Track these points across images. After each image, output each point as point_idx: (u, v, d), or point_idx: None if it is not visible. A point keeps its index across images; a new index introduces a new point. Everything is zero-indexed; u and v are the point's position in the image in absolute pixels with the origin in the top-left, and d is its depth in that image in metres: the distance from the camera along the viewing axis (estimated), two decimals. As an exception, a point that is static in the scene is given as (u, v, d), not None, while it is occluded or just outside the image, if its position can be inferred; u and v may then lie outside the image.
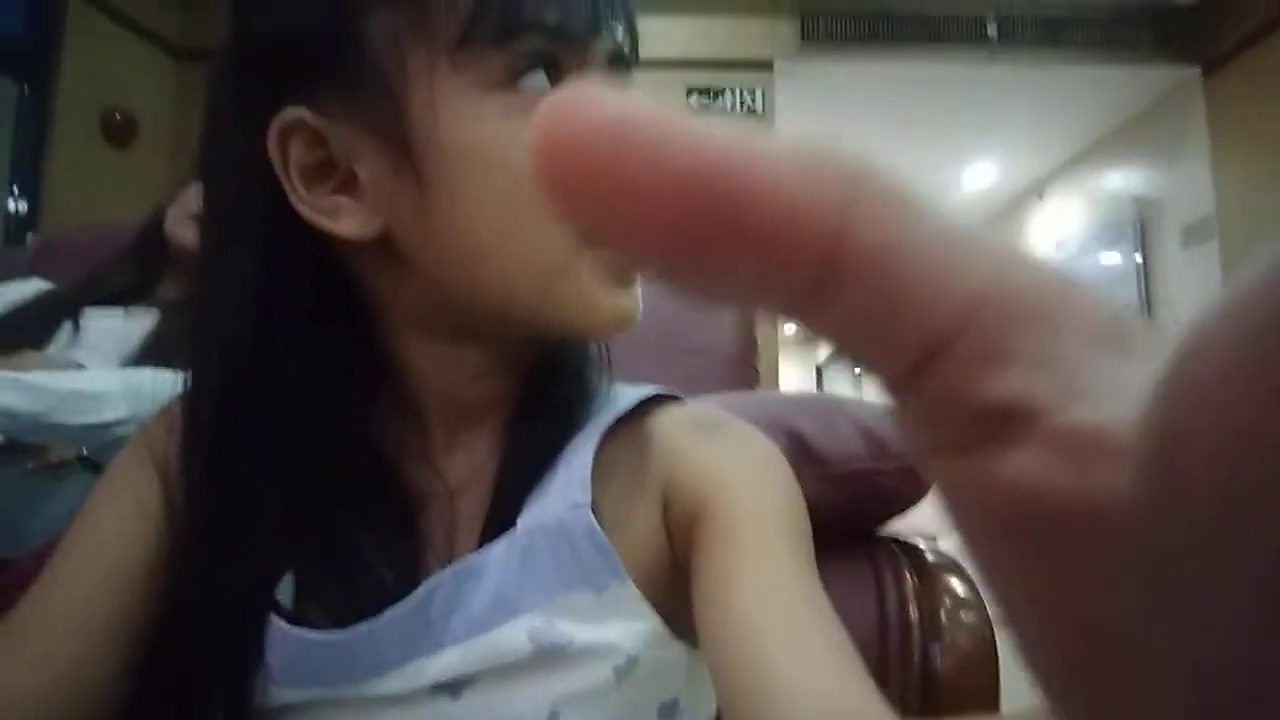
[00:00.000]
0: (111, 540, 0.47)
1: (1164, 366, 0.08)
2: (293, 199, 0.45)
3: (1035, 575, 0.10)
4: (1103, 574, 0.09)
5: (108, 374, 1.01)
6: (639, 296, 0.47)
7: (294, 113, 0.44)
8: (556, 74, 0.45)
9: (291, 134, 0.45)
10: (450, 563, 0.46)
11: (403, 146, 0.43)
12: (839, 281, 0.10)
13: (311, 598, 0.46)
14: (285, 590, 0.46)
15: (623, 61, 0.49)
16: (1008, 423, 0.10)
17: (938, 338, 0.10)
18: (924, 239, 0.10)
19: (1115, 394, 0.09)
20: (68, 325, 1.17)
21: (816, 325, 0.11)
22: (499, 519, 0.47)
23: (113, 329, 1.17)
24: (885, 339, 0.10)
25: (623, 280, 0.45)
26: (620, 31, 0.48)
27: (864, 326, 0.11)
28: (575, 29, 0.44)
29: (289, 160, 0.45)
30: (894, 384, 0.11)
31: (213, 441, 0.47)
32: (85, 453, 0.85)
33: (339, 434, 0.47)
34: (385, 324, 0.49)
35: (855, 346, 0.11)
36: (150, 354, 1.13)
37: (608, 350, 0.54)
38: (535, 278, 0.44)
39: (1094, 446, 0.09)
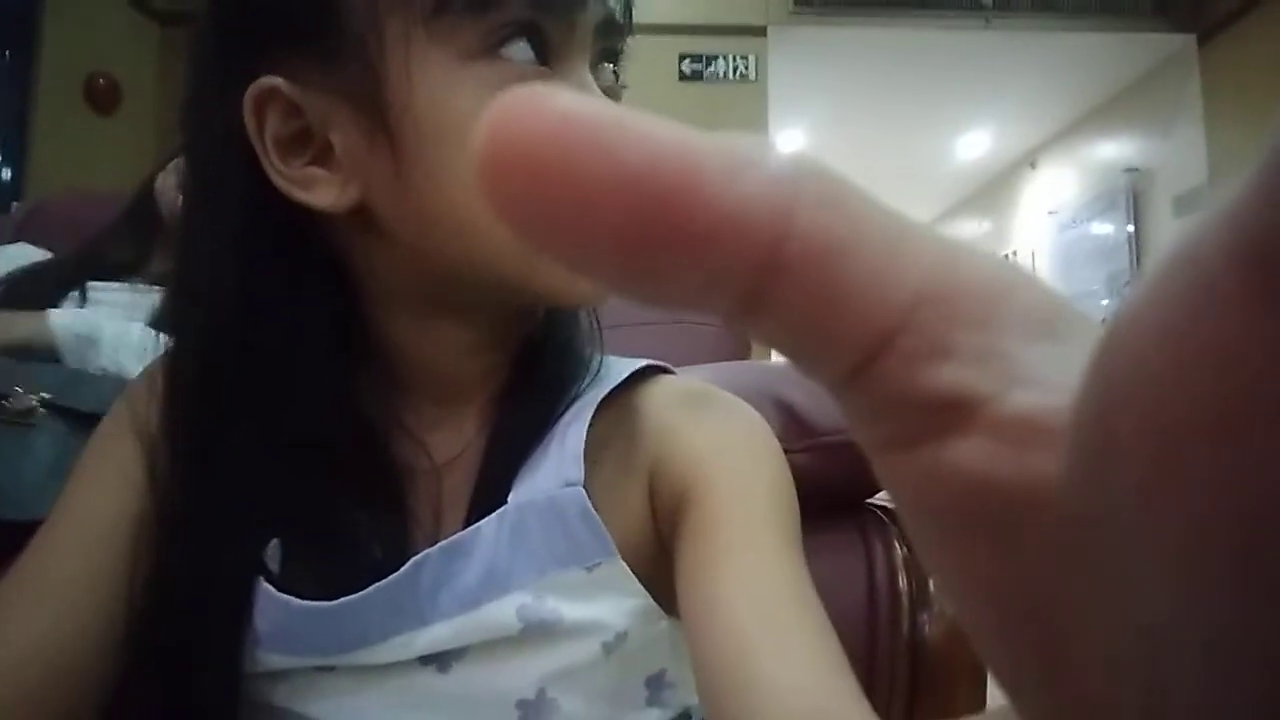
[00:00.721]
0: (96, 512, 0.47)
1: (1093, 352, 0.08)
2: (267, 168, 0.44)
3: (983, 565, 0.10)
4: (1042, 559, 0.09)
5: (98, 319, 1.02)
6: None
7: (269, 81, 0.44)
8: (541, 44, 0.44)
9: (268, 103, 0.44)
10: (437, 539, 0.46)
11: (378, 117, 0.43)
12: (782, 283, 0.10)
13: (300, 565, 0.46)
14: (273, 556, 0.46)
15: (615, 29, 0.48)
16: (951, 414, 0.10)
17: (880, 335, 0.10)
18: (864, 238, 0.10)
19: (1053, 381, 0.10)
20: (74, 295, 1.16)
21: (761, 327, 0.11)
22: (485, 497, 0.47)
23: (120, 300, 1.16)
24: (828, 338, 0.11)
25: None
26: None
27: (807, 326, 0.11)
28: None
29: (265, 129, 0.44)
30: (839, 382, 0.11)
31: (194, 407, 0.47)
32: (47, 396, 0.84)
33: (323, 405, 0.47)
34: (368, 296, 0.49)
35: (799, 347, 0.11)
36: (159, 328, 1.14)
37: (598, 322, 0.54)
38: (519, 248, 0.43)
39: (1031, 433, 0.10)
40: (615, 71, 0.49)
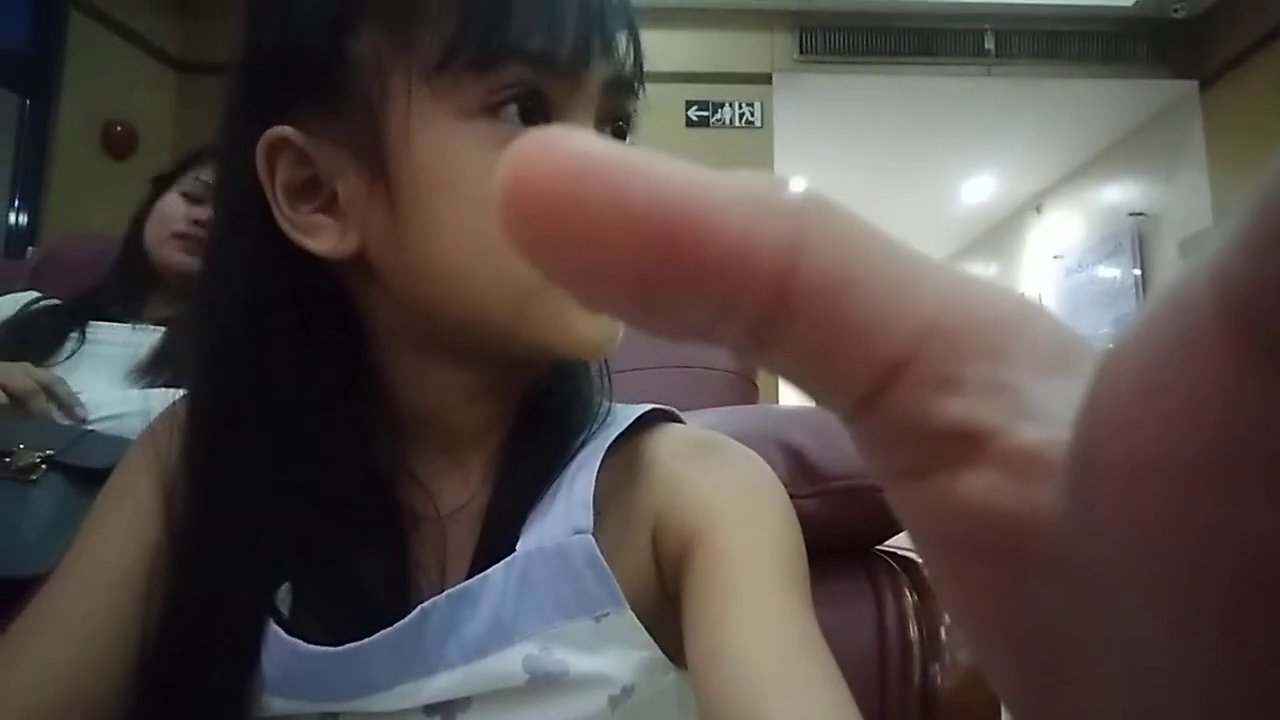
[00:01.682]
0: (114, 547, 0.47)
1: (1086, 388, 0.09)
2: (276, 213, 0.46)
3: (989, 593, 0.10)
4: (1044, 590, 0.10)
5: (122, 394, 1.01)
6: (616, 320, 0.46)
7: (280, 131, 0.45)
8: (543, 105, 0.44)
9: (279, 151, 0.46)
10: (442, 588, 0.45)
11: (379, 167, 0.44)
12: (790, 316, 0.11)
13: (308, 610, 0.46)
14: (284, 599, 0.46)
15: (624, 87, 0.48)
16: (960, 446, 0.10)
17: (888, 367, 0.10)
18: (872, 271, 0.11)
19: (1061, 416, 0.10)
20: (73, 336, 1.17)
21: (771, 359, 0.11)
22: (491, 546, 0.46)
23: (118, 339, 1.16)
24: (837, 369, 0.11)
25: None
26: (620, 57, 0.46)
27: (816, 358, 0.11)
28: (560, 58, 0.43)
29: (276, 176, 0.46)
30: (848, 413, 0.11)
31: (208, 446, 0.48)
32: (52, 453, 0.84)
33: (331, 448, 0.47)
34: (373, 341, 0.49)
35: (808, 378, 0.11)
36: (158, 368, 1.13)
37: (608, 369, 0.54)
38: (507, 300, 0.44)
39: (1035, 466, 0.10)
40: (622, 127, 0.49)
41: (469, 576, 0.45)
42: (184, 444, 0.48)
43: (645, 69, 0.51)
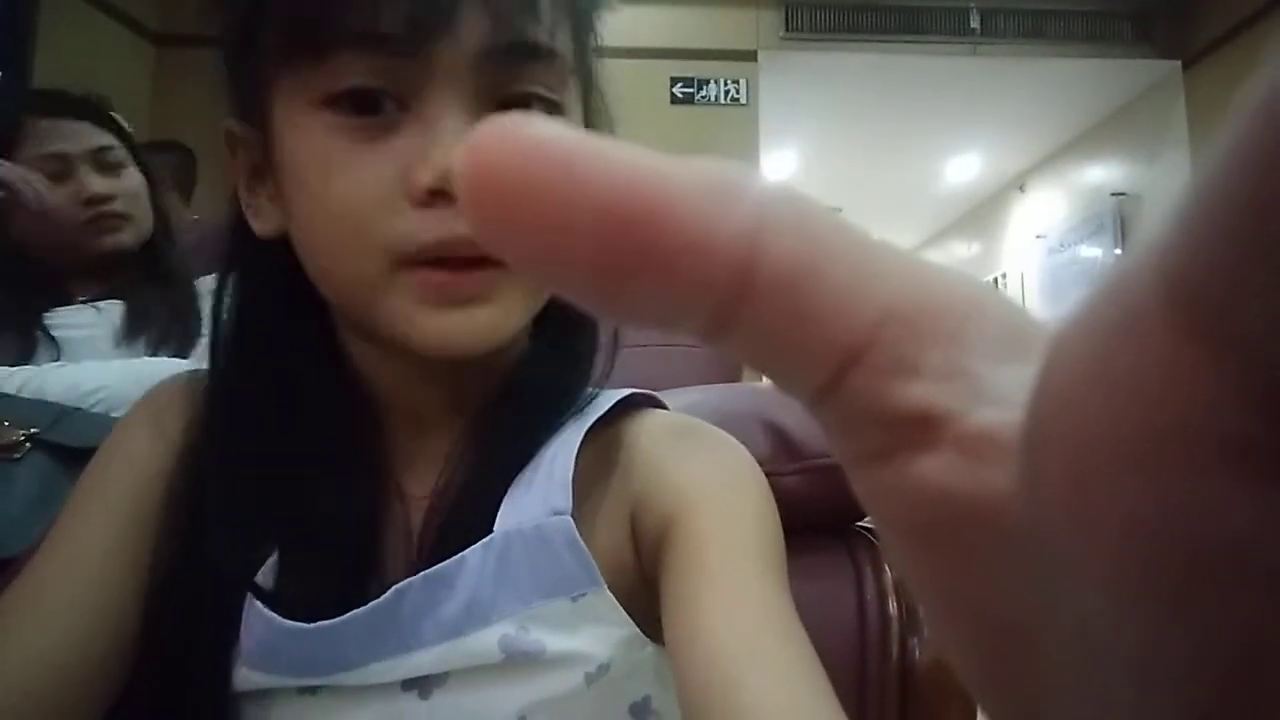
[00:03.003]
0: (99, 526, 0.47)
1: (1037, 369, 0.09)
2: (241, 196, 0.48)
3: (947, 575, 0.10)
4: (999, 572, 0.10)
5: (101, 366, 0.99)
6: (477, 317, 0.43)
7: (228, 123, 0.47)
8: (394, 90, 0.42)
9: (235, 140, 0.48)
10: (409, 568, 0.46)
11: (269, 156, 0.46)
12: (751, 303, 0.11)
13: (288, 585, 0.46)
14: (268, 573, 0.46)
15: (516, 57, 0.43)
16: (918, 430, 0.10)
17: (848, 353, 0.11)
18: (832, 259, 0.11)
19: (1013, 399, 0.10)
20: (42, 340, 1.11)
21: (733, 346, 0.11)
22: (460, 528, 0.46)
23: (84, 319, 1.13)
24: (798, 356, 0.11)
25: (445, 300, 0.43)
26: (501, 24, 0.42)
27: (778, 345, 0.11)
28: (392, 38, 0.41)
29: (239, 161, 0.48)
30: (811, 398, 0.11)
31: (207, 420, 0.49)
32: (35, 431, 0.83)
33: (307, 428, 0.48)
34: (338, 328, 0.51)
35: (771, 364, 0.11)
36: (134, 337, 1.11)
37: (618, 344, 0.53)
38: (359, 293, 0.44)
39: (989, 448, 0.10)
40: (530, 101, 0.44)
41: (436, 557, 0.45)
42: (188, 416, 0.50)
43: (630, 45, 0.51)
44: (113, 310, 1.15)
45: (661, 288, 0.11)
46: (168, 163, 2.23)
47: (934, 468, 0.10)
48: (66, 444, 0.83)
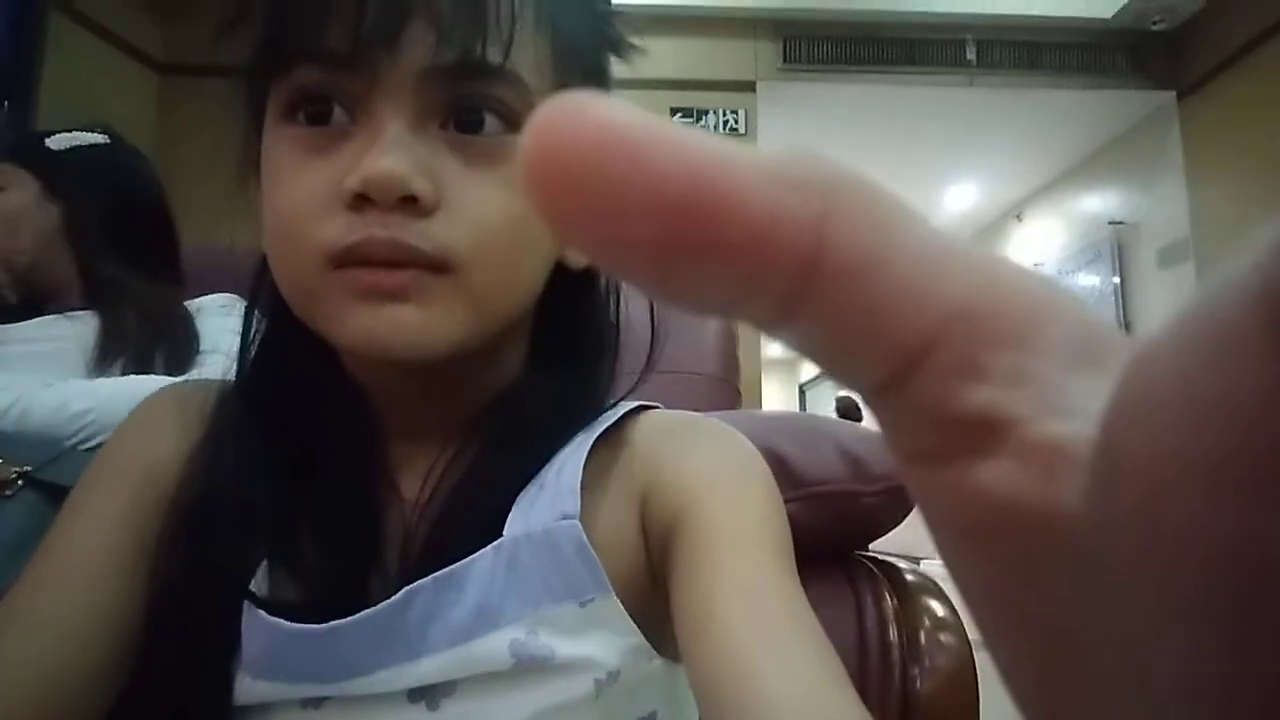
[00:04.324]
0: (95, 537, 0.47)
1: (1113, 387, 0.08)
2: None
3: (1003, 584, 0.10)
4: (1059, 584, 0.09)
5: (89, 387, 0.96)
6: (400, 315, 0.43)
7: (252, 138, 0.48)
8: (346, 105, 0.44)
9: (255, 155, 0.48)
10: (408, 572, 0.45)
11: (255, 163, 0.47)
12: (816, 293, 0.10)
13: (289, 591, 0.46)
14: (261, 579, 0.46)
15: (453, 75, 0.43)
16: (981, 434, 0.10)
17: (912, 351, 0.10)
18: (901, 251, 0.10)
19: (1085, 409, 0.09)
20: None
21: (794, 337, 0.11)
22: (457, 532, 0.46)
23: (34, 333, 1.08)
24: (860, 350, 0.10)
25: (369, 296, 0.43)
26: (448, 41, 0.42)
27: (840, 338, 0.11)
28: (341, 54, 0.42)
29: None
30: (871, 395, 0.11)
31: (229, 425, 0.50)
32: (29, 469, 0.82)
33: (312, 433, 0.48)
34: None
35: (831, 358, 0.11)
36: (113, 352, 1.07)
37: (612, 370, 0.54)
38: (301, 297, 0.45)
39: (1058, 460, 0.09)
40: (477, 119, 0.44)
41: (434, 560, 0.45)
42: (187, 423, 0.50)
43: (630, 75, 0.51)
44: (86, 322, 1.08)
45: (725, 274, 0.10)
46: None
47: (995, 474, 0.10)
48: (58, 483, 0.82)
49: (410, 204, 0.42)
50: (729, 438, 0.50)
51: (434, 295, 0.43)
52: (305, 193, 0.43)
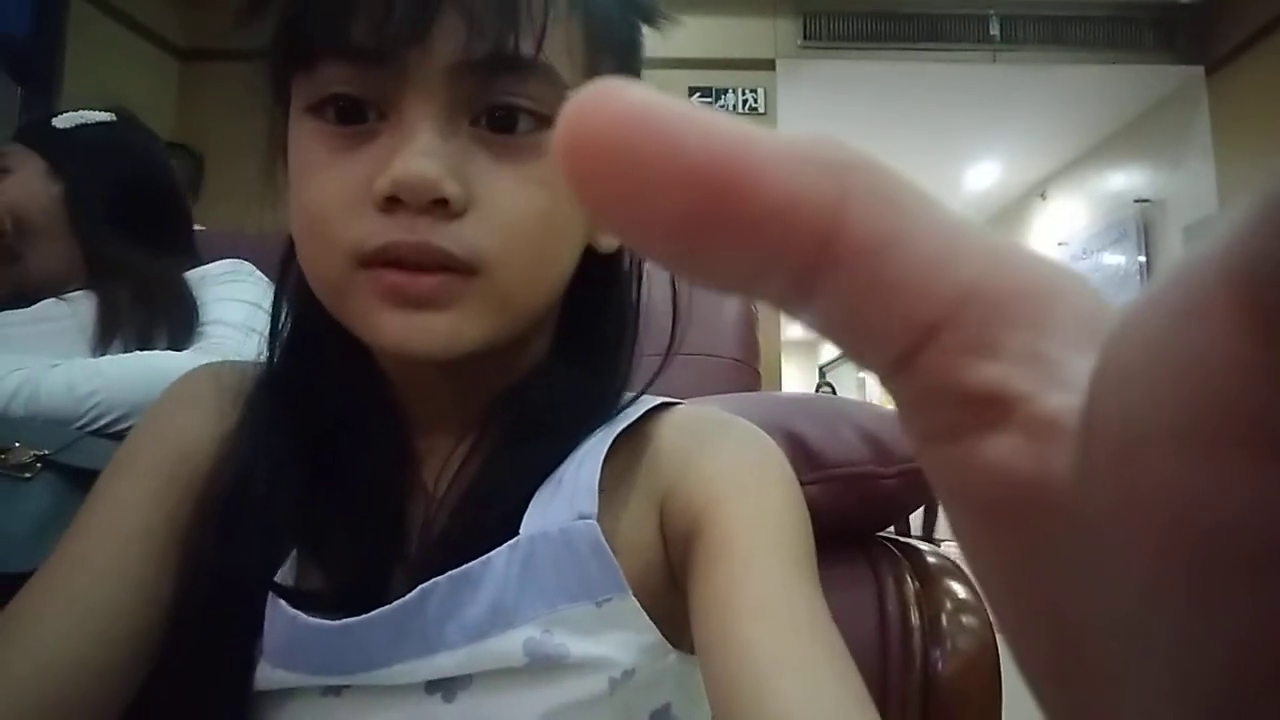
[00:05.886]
0: (127, 518, 0.47)
1: (1098, 352, 0.09)
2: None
3: (1013, 566, 0.11)
4: (1061, 563, 0.10)
5: (94, 366, 0.97)
6: (432, 322, 0.43)
7: (279, 124, 0.48)
8: (374, 102, 0.43)
9: (282, 141, 0.48)
10: (428, 566, 0.46)
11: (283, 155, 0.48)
12: (833, 271, 0.11)
13: (312, 583, 0.47)
14: (288, 570, 0.46)
15: (485, 70, 0.43)
16: (991, 410, 0.10)
17: (926, 328, 0.11)
18: (917, 233, 0.11)
19: (1084, 385, 0.10)
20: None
21: (811, 315, 0.11)
22: (476, 528, 0.46)
23: (20, 317, 1.07)
24: (875, 328, 0.11)
25: (399, 301, 0.43)
26: (471, 34, 0.42)
27: (856, 315, 0.11)
28: (368, 50, 0.42)
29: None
30: (884, 372, 0.11)
31: (259, 413, 0.50)
32: (47, 453, 0.83)
33: (341, 424, 0.49)
34: None
35: (847, 335, 0.11)
36: (112, 329, 1.07)
37: (630, 358, 0.53)
38: (330, 294, 0.45)
39: (1055, 432, 0.10)
40: (512, 118, 0.44)
41: (453, 556, 0.45)
42: (221, 405, 0.51)
43: (649, 54, 0.51)
44: (82, 302, 1.08)
45: (746, 250, 0.11)
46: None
47: (1001, 449, 0.10)
48: (78, 466, 0.83)
49: (441, 206, 0.42)
50: (755, 440, 0.50)
51: (463, 299, 0.44)
52: (334, 191, 0.43)
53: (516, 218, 0.44)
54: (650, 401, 0.52)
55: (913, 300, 0.11)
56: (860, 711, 0.36)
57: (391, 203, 0.42)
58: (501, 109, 0.44)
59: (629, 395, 0.52)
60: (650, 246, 0.11)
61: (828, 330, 0.12)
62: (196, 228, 1.31)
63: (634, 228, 0.11)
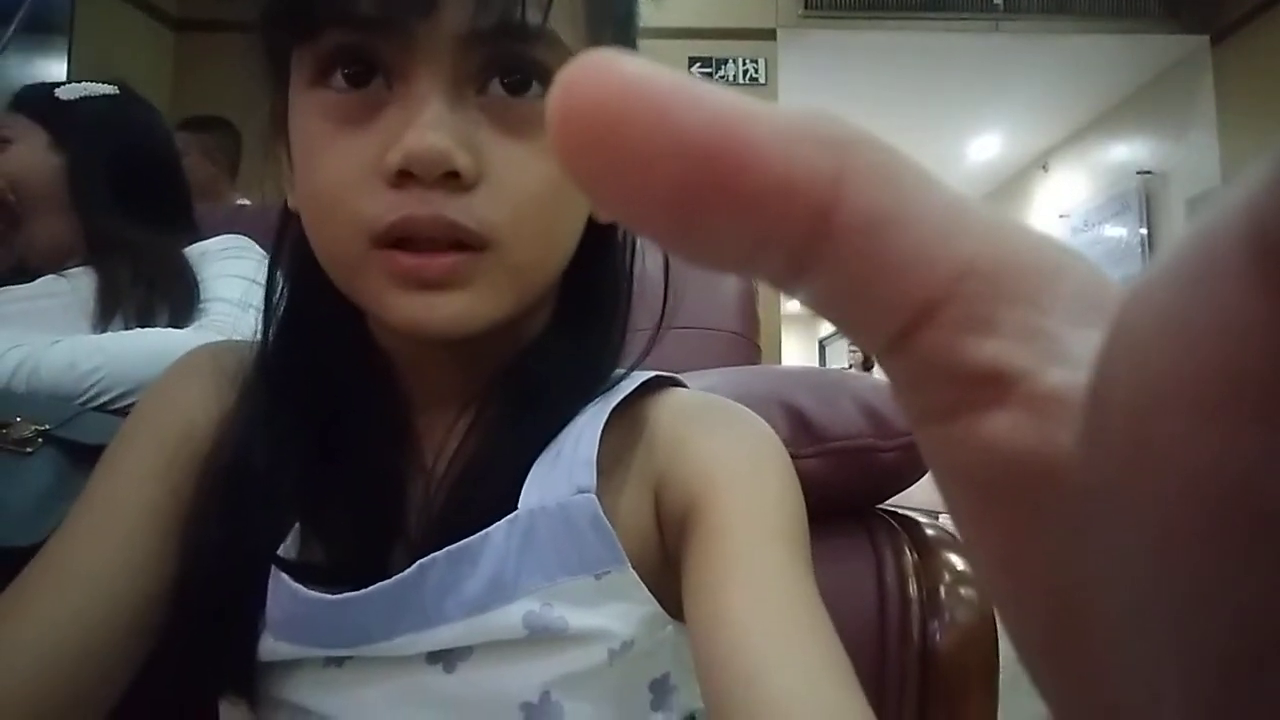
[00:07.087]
0: (136, 488, 0.48)
1: (1110, 318, 0.09)
2: (283, 170, 0.49)
3: (1007, 538, 0.10)
4: (1056, 533, 0.10)
5: (95, 342, 0.97)
6: (446, 302, 0.43)
7: (277, 98, 0.48)
8: (381, 69, 0.43)
9: (280, 116, 0.48)
10: (428, 540, 0.46)
11: (283, 129, 0.47)
12: (830, 248, 0.11)
13: (313, 557, 0.47)
14: (291, 544, 0.47)
15: (501, 38, 0.42)
16: (989, 388, 0.10)
17: (924, 305, 0.10)
18: (915, 209, 0.11)
19: (1085, 361, 0.10)
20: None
21: (807, 292, 0.11)
22: (476, 502, 0.47)
23: (24, 293, 1.07)
24: (873, 304, 0.11)
25: (412, 283, 0.43)
26: (478, 3, 0.41)
27: (853, 292, 0.11)
28: (375, 17, 0.41)
29: (282, 137, 0.48)
30: (881, 349, 0.11)
31: (260, 387, 0.50)
32: (47, 427, 0.84)
33: (346, 400, 0.49)
34: None
35: (845, 312, 0.11)
36: (112, 306, 1.07)
37: (623, 332, 0.53)
38: (341, 271, 0.45)
39: (1057, 407, 0.10)
40: (517, 82, 0.44)
41: (454, 530, 0.45)
42: (222, 383, 0.51)
43: (648, 24, 0.50)
44: (82, 278, 1.07)
45: (741, 227, 0.11)
46: (208, 141, 2.03)
47: (1001, 425, 0.10)
48: (79, 441, 0.83)
49: (452, 178, 0.42)
50: (751, 425, 0.50)
51: (476, 276, 0.43)
52: (343, 166, 0.43)
53: (526, 190, 0.44)
54: (644, 374, 0.52)
55: (911, 277, 0.10)
56: (851, 700, 0.36)
57: (403, 177, 0.42)
58: (512, 72, 0.44)
59: (622, 370, 0.52)
60: (644, 222, 0.11)
61: (824, 307, 0.11)
62: (242, 202, 1.29)
63: (628, 202, 0.11)
